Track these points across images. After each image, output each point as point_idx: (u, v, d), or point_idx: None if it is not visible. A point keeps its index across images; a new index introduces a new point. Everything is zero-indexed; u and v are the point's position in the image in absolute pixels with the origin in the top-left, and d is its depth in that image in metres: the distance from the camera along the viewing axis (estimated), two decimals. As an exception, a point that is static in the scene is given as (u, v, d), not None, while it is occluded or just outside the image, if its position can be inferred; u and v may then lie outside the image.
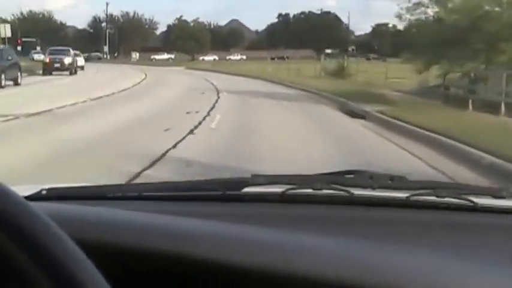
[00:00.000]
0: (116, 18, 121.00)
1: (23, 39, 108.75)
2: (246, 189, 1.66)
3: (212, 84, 32.07)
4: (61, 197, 1.61)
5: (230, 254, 1.02)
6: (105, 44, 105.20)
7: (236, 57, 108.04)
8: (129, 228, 1.09)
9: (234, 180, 1.73)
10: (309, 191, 1.62)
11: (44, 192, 1.61)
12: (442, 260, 1.08)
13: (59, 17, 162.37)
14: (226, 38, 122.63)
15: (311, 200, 1.63)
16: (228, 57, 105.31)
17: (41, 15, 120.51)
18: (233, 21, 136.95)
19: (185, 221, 1.17)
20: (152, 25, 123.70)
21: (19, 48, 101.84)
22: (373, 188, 1.59)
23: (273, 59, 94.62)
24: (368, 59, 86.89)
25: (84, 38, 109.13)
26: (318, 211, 1.59)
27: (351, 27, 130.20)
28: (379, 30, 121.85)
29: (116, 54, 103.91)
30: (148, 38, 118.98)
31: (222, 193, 1.64)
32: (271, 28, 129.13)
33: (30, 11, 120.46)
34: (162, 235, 1.07)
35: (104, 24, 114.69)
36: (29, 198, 1.43)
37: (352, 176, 1.68)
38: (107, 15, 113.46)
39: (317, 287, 0.99)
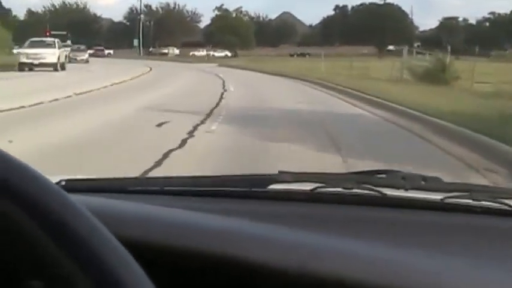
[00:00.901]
0: (156, 9, 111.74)
1: (53, 32, 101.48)
2: (272, 186, 1.62)
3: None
4: (80, 189, 1.55)
5: (253, 253, 1.01)
6: (138, 38, 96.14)
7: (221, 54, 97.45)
8: (148, 223, 1.11)
9: (260, 177, 1.70)
10: (339, 190, 1.58)
11: (62, 183, 1.59)
12: (477, 266, 1.10)
13: (94, 9, 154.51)
14: (275, 32, 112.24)
15: (341, 200, 1.59)
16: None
17: (74, 7, 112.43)
18: (284, 13, 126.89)
19: (207, 217, 1.18)
20: (195, 18, 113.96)
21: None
22: (406, 189, 1.55)
23: (292, 55, 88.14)
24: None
25: (119, 32, 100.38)
26: (348, 212, 1.54)
27: (414, 22, 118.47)
28: (448, 24, 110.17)
29: (150, 49, 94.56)
30: (190, 32, 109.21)
31: (247, 190, 1.62)
32: (326, 22, 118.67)
33: (63, 2, 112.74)
34: (183, 231, 1.07)
35: (141, 16, 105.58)
36: None
37: (384, 175, 1.64)
38: (140, 4, 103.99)
39: None
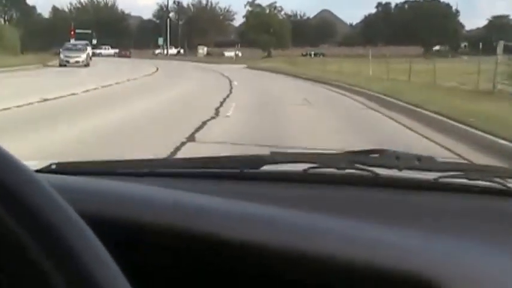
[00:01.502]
0: (187, 6, 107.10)
1: (77, 31, 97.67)
2: (265, 168, 1.62)
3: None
4: (70, 171, 1.59)
5: (245, 233, 1.03)
6: (165, 37, 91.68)
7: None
8: (137, 202, 1.11)
9: (252, 158, 1.69)
10: (332, 170, 1.58)
11: (53, 166, 1.63)
12: (471, 246, 1.11)
13: (123, 7, 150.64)
14: (314, 32, 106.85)
15: (333, 180, 1.60)
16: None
17: (102, 4, 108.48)
18: (324, 11, 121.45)
19: (198, 197, 1.18)
20: (228, 16, 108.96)
21: (72, 40, 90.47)
22: (400, 169, 1.55)
23: (304, 55, 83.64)
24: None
25: (148, 30, 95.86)
26: (341, 192, 1.56)
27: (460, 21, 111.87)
28: (498, 23, 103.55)
29: (178, 49, 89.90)
30: (223, 31, 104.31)
31: (239, 171, 1.61)
32: (368, 20, 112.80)
33: (90, 0, 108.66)
34: (173, 210, 1.08)
35: (172, 14, 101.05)
36: (38, 171, 1.47)
37: (377, 155, 1.63)
38: (167, 2, 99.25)
39: (334, 269, 1.00)
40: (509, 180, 1.58)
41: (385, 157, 1.61)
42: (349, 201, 1.46)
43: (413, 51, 76.84)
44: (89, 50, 47.14)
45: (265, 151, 1.75)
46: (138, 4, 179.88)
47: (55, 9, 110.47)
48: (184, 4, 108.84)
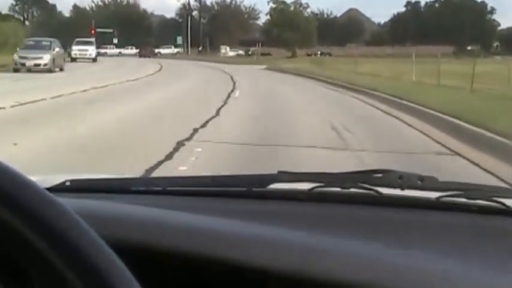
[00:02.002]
0: (211, 4, 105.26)
1: (98, 30, 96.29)
2: (272, 186, 1.68)
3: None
4: (84, 189, 1.68)
5: (252, 255, 1.06)
6: (186, 35, 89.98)
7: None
8: (151, 226, 1.15)
9: (259, 177, 1.76)
10: (337, 189, 1.64)
11: (67, 183, 1.68)
12: (472, 266, 1.14)
13: (147, 5, 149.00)
14: (341, 31, 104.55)
15: (339, 199, 1.66)
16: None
17: (124, 3, 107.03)
18: (351, 10, 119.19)
19: (207, 220, 1.23)
20: (252, 14, 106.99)
21: (93, 39, 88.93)
22: (402, 189, 1.61)
23: (309, 55, 79.39)
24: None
25: (170, 29, 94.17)
26: (346, 210, 1.61)
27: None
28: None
29: (200, 48, 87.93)
30: (247, 30, 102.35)
31: (246, 189, 1.68)
32: (397, 19, 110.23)
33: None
34: (184, 234, 1.12)
35: (195, 12, 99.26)
36: (52, 189, 1.52)
37: (380, 175, 1.69)
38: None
39: None
40: (509, 200, 1.59)
41: (388, 177, 1.65)
42: (353, 220, 1.50)
43: (442, 51, 74.14)
44: (57, 48, 33.44)
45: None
46: (162, 3, 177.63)
47: (76, 8, 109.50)
48: (208, 2, 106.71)
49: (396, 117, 13.81)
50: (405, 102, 15.67)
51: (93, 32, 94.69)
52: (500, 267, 1.18)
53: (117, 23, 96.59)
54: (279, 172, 1.71)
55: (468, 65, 21.96)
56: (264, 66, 47.78)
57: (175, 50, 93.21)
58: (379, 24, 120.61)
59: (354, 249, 1.12)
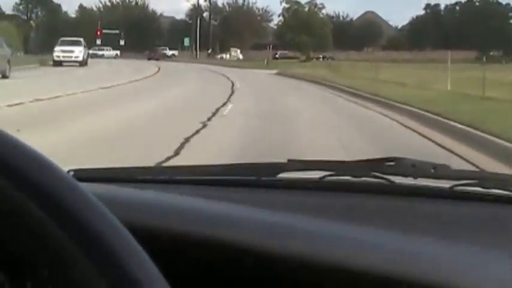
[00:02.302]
0: (223, 6, 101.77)
1: (104, 31, 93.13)
2: (282, 175, 1.68)
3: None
4: (89, 178, 1.57)
5: (263, 240, 1.05)
6: (195, 37, 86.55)
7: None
8: (159, 210, 1.14)
9: (269, 165, 1.76)
10: (348, 178, 1.64)
11: (71, 173, 1.60)
12: (486, 255, 1.14)
13: (157, 7, 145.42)
14: (358, 34, 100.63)
15: (350, 188, 1.65)
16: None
17: (133, 4, 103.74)
18: (368, 13, 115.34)
19: (217, 204, 1.22)
20: (266, 16, 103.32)
21: (98, 41, 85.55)
22: (415, 177, 1.61)
23: (312, 58, 73.17)
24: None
25: (180, 31, 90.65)
26: (357, 199, 1.60)
27: None
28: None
29: (209, 51, 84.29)
30: (260, 33, 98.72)
31: (256, 178, 1.67)
32: (415, 23, 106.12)
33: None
34: (193, 217, 1.11)
35: (206, 14, 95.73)
36: None
37: (393, 163, 1.67)
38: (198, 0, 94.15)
39: (352, 277, 1.03)
40: None
41: (400, 165, 1.63)
42: (365, 209, 1.49)
43: (464, 56, 70.10)
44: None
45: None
46: (173, 4, 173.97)
47: (82, 8, 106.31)
48: (220, 3, 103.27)
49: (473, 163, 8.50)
50: (464, 128, 10.82)
51: (99, 33, 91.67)
52: None
53: (125, 24, 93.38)
54: (289, 160, 1.68)
55: (498, 72, 17.91)
56: (274, 71, 43.27)
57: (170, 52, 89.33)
58: (396, 27, 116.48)
59: (366, 238, 1.11)
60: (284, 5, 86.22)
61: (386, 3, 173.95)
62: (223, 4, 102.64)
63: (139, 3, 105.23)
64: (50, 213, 0.71)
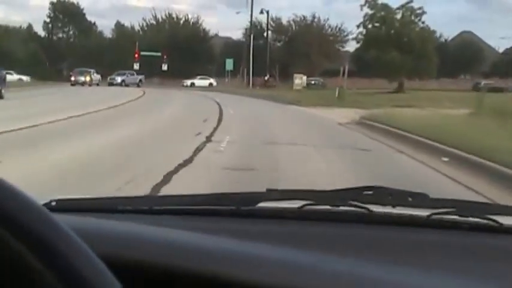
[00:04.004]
0: (288, 23, 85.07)
1: (142, 53, 78.12)
2: (261, 204, 1.71)
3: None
4: (71, 208, 1.68)
5: (242, 273, 1.07)
6: (247, 60, 70.25)
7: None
8: (138, 242, 1.16)
9: (248, 195, 1.80)
10: (327, 207, 1.68)
11: (53, 203, 1.70)
12: (463, 284, 1.17)
13: (211, 26, 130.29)
14: (454, 58, 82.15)
15: (329, 217, 1.68)
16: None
17: (182, 22, 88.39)
18: (464, 33, 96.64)
19: (196, 237, 1.25)
20: (340, 36, 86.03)
21: (136, 66, 70.38)
22: (393, 206, 1.66)
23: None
24: None
25: (233, 53, 74.21)
26: (336, 229, 1.64)
27: None
28: None
29: (266, 78, 67.43)
30: (332, 56, 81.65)
31: (236, 208, 1.71)
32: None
33: (168, 15, 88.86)
34: (173, 250, 1.13)
35: (269, 33, 79.30)
36: None
37: (371, 192, 1.72)
38: (251, 15, 77.27)
39: None
40: (499, 216, 1.61)
41: (378, 194, 1.68)
42: (344, 238, 1.52)
43: None
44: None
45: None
46: (229, 21, 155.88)
47: (119, 26, 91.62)
48: (284, 20, 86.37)
49: None
50: None
51: (136, 56, 76.73)
52: (493, 284, 1.19)
53: (170, 45, 78.08)
54: (268, 190, 1.73)
55: None
56: (353, 115, 24.07)
57: (208, 81, 75.66)
58: (498, 50, 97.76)
59: (344, 268, 1.12)
60: (366, 10, 59.89)
61: (488, 22, 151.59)
62: (288, 22, 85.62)
63: (190, 20, 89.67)
64: (25, 244, 0.75)
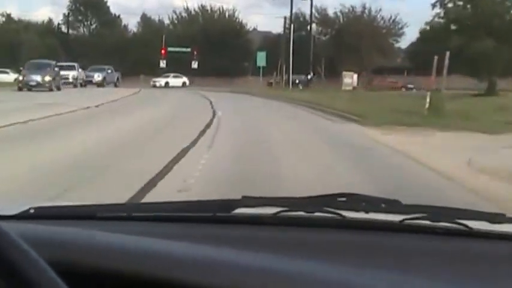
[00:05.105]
0: (335, 15, 76.00)
1: (170, 49, 69.83)
2: (237, 211, 1.76)
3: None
4: (49, 216, 1.74)
5: (217, 279, 1.11)
6: (285, 56, 60.84)
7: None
8: (112, 252, 1.19)
9: (224, 202, 1.83)
10: (301, 213, 1.72)
11: (31, 211, 1.75)
12: (435, 287, 1.22)
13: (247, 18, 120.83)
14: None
15: (303, 223, 1.73)
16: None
17: (217, 14, 79.94)
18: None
19: (171, 244, 1.29)
20: (394, 29, 76.49)
21: (162, 63, 62.56)
22: (366, 212, 1.71)
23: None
24: None
25: (271, 48, 65.18)
26: (310, 234, 1.68)
27: None
28: None
29: (309, 76, 58.17)
30: (386, 51, 72.43)
31: (212, 215, 1.75)
32: None
33: (202, 7, 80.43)
34: (148, 259, 1.16)
35: (313, 26, 70.18)
36: (16, 217, 1.68)
37: (344, 199, 1.78)
38: (291, 7, 67.57)
39: None
40: (470, 221, 1.66)
41: (352, 200, 1.74)
42: (318, 243, 1.56)
43: None
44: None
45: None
46: (269, 15, 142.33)
47: (145, 19, 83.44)
48: (330, 12, 77.04)
49: None
50: None
51: (163, 52, 68.47)
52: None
53: (202, 41, 69.66)
54: (244, 197, 1.76)
55: None
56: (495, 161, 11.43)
57: (181, 79, 65.34)
58: None
59: (317, 273, 1.15)
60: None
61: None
62: (334, 13, 76.35)
63: (226, 12, 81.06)
64: None
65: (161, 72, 67.12)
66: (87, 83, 55.78)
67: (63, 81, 45.20)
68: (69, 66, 53.10)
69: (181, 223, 1.71)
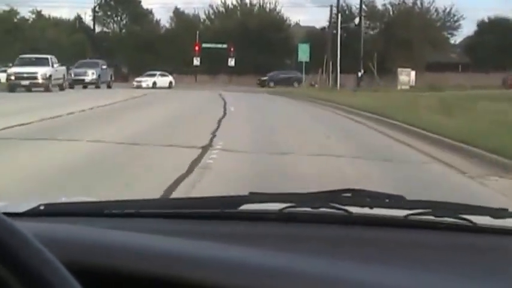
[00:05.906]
0: (385, 7, 70.70)
1: (204, 46, 64.76)
2: (244, 207, 1.77)
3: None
4: (58, 213, 1.77)
5: (225, 278, 1.12)
6: (332, 53, 55.13)
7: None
8: (120, 251, 1.21)
9: (231, 198, 1.87)
10: (307, 209, 1.74)
11: (41, 207, 1.77)
12: (440, 281, 1.24)
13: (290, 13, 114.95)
14: None
15: (309, 219, 1.75)
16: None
17: (257, 9, 74.85)
18: None
19: (179, 242, 1.31)
20: (449, 22, 70.40)
21: (196, 61, 57.96)
22: (371, 207, 1.72)
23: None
24: None
25: (315, 45, 59.50)
26: (316, 230, 1.71)
27: None
28: None
29: (360, 74, 52.18)
30: (440, 45, 66.65)
31: (219, 211, 1.77)
32: None
33: (240, 1, 75.50)
34: (156, 258, 1.17)
35: (359, 19, 64.41)
36: (26, 214, 1.72)
37: (349, 194, 1.80)
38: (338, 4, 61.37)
39: None
40: (473, 216, 1.68)
41: (357, 196, 1.76)
42: (324, 239, 1.60)
43: None
44: None
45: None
46: (312, 10, 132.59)
47: (178, 14, 78.12)
48: (379, 4, 71.36)
49: None
50: None
51: (197, 48, 63.40)
52: (468, 283, 1.26)
53: (240, 36, 64.50)
54: (250, 193, 1.78)
55: None
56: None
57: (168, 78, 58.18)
58: None
59: (323, 269, 1.17)
60: None
61: None
62: (383, 5, 70.52)
63: (267, 7, 75.71)
64: None
65: (196, 71, 62.73)
66: (75, 83, 47.14)
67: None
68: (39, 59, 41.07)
69: (188, 219, 1.73)
